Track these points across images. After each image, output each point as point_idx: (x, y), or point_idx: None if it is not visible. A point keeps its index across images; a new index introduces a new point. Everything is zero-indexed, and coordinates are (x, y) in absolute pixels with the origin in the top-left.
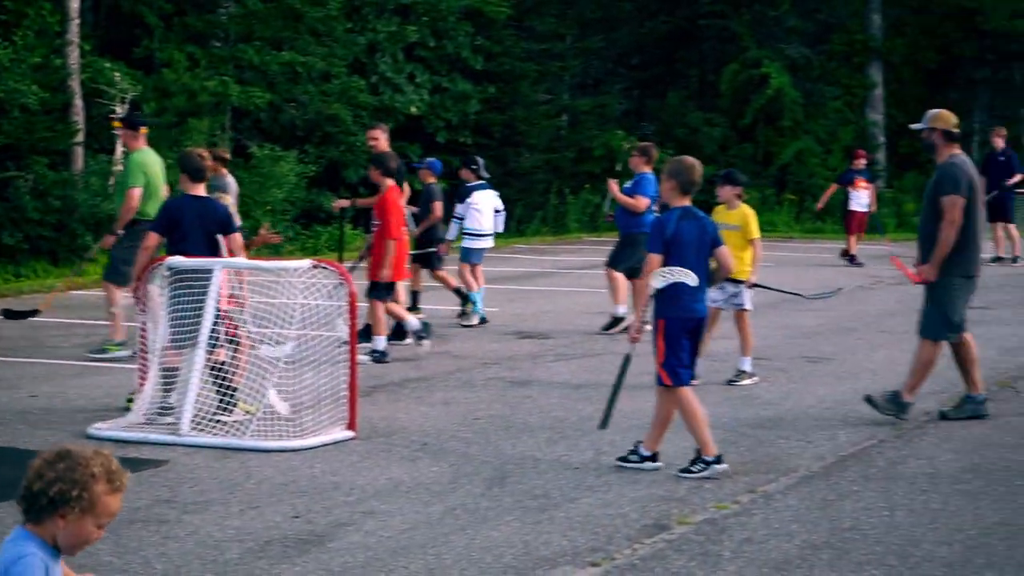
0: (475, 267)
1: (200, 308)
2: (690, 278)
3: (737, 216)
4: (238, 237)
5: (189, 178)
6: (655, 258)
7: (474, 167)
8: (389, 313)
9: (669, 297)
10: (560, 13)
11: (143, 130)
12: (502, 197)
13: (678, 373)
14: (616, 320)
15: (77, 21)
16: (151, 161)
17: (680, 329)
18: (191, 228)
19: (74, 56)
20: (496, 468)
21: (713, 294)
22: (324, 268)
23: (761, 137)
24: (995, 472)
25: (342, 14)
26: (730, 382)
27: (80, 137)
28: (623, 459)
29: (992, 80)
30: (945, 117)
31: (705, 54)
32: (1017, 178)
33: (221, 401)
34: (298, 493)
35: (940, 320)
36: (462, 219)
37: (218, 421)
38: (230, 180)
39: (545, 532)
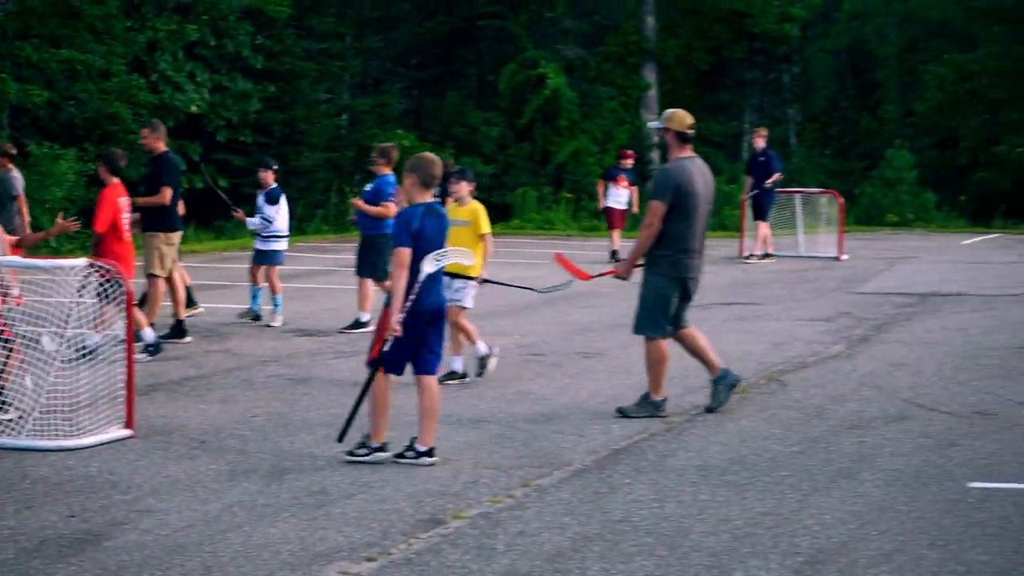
0: (272, 268)
1: None
2: (466, 257)
3: (467, 212)
4: None
5: None
6: (404, 252)
7: (276, 168)
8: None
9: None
10: (339, 13)
11: None
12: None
13: (394, 363)
14: (359, 323)
15: None
16: None
17: (414, 321)
18: None
19: None
20: (274, 465)
21: None
22: (100, 267)
23: (539, 136)
24: (761, 464)
25: (121, 12)
26: (479, 374)
27: None
28: (399, 455)
29: (762, 81)
30: (679, 118)
31: (483, 54)
32: (774, 178)
33: None
34: (74, 492)
35: (649, 318)
36: (271, 222)
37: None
38: (16, 175)
39: (322, 528)
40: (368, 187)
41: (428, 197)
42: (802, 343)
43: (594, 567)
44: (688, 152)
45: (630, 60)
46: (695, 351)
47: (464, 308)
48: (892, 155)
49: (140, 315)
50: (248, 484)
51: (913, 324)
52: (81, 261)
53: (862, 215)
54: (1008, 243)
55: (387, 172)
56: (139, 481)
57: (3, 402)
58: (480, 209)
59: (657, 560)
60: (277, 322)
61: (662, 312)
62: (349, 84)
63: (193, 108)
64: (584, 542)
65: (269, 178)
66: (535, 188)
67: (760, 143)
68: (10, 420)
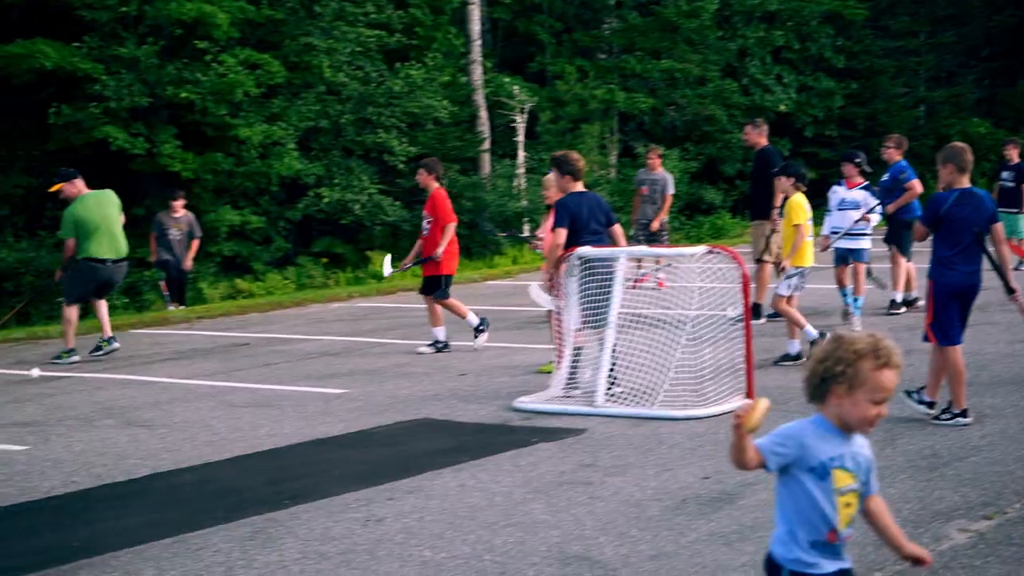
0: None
1: (606, 293)
2: None
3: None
4: (617, 228)
5: (572, 178)
6: (920, 228)
7: (859, 161)
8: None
9: (940, 263)
10: (913, 12)
11: (76, 180)
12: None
13: (947, 334)
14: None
15: (479, 42)
16: (86, 207)
17: (947, 295)
18: (588, 220)
19: (477, 73)
20: (886, 431)
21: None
22: (718, 253)
23: None
24: None
25: (714, 23)
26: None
27: (486, 145)
28: (936, 418)
29: None
30: None
31: None
32: None
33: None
34: (706, 456)
35: None
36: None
37: (627, 395)
38: (664, 174)
39: (938, 488)
40: (884, 177)
41: (965, 182)
42: None
43: None
44: None
45: None
46: None
47: (780, 296)
48: None
49: (460, 306)
50: None
51: None
52: (700, 248)
53: None
54: None
55: (899, 159)
56: None
57: (613, 378)
58: (795, 203)
59: None
60: (856, 325)
61: None
62: (924, 78)
63: (781, 107)
64: None
65: (851, 171)
66: None
67: None
68: (637, 393)
